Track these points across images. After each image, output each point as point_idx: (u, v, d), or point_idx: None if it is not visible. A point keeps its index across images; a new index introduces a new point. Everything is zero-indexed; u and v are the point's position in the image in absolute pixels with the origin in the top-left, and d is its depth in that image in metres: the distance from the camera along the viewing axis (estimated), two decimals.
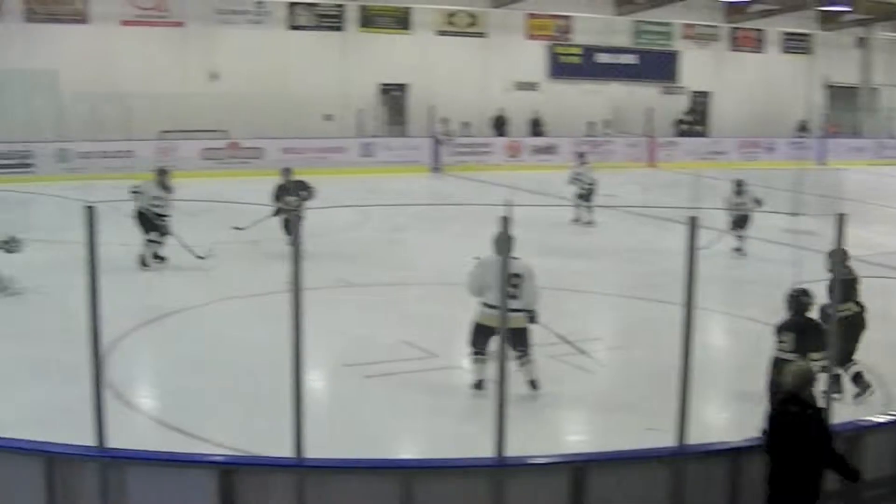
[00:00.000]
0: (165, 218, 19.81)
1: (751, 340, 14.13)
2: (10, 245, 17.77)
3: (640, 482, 8.79)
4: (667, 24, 47.03)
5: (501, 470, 8.38)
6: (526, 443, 9.01)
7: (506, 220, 8.24)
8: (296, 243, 8.35)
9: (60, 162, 33.68)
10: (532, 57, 44.42)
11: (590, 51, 45.51)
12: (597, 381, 13.68)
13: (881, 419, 10.38)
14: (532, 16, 43.92)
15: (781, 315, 11.17)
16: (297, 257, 8.21)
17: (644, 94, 45.44)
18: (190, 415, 11.84)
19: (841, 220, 9.12)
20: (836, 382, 10.84)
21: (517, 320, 12.23)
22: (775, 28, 49.31)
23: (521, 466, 8.58)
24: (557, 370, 13.55)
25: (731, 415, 12.31)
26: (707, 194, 25.66)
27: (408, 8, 41.60)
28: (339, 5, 40.76)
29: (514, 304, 11.90)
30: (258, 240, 21.09)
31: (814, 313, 11.23)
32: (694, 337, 8.50)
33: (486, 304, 12.44)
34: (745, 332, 15.55)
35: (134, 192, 19.73)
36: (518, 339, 12.36)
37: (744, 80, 48.39)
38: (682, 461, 8.74)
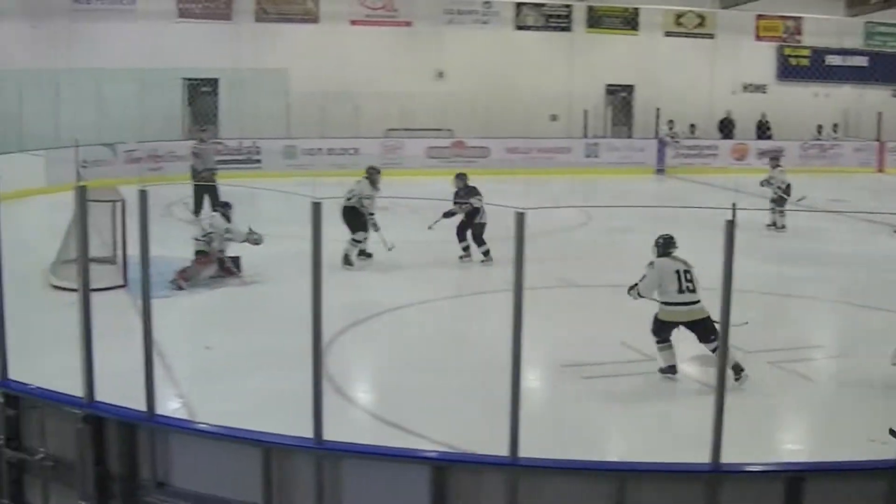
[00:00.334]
0: (372, 217, 20.14)
1: None
2: (254, 237, 18.50)
3: (857, 494, 8.61)
4: None
5: (717, 476, 8.30)
6: (741, 449, 8.94)
7: (731, 224, 8.18)
8: (519, 244, 8.42)
9: (287, 158, 34.53)
10: (760, 58, 43.65)
11: (819, 52, 44.49)
12: (817, 389, 13.44)
13: None
14: (761, 17, 43.15)
15: None
16: (519, 257, 8.30)
17: (874, 98, 44.12)
18: (405, 410, 12.04)
19: None
20: None
21: (700, 311, 12.99)
22: None
23: (737, 473, 8.49)
24: (776, 377, 13.39)
25: None
26: None
27: (636, 8, 41.35)
28: (567, 6, 40.77)
29: (693, 297, 13.04)
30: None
31: None
32: None
33: (666, 303, 13.20)
34: None
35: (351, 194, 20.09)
36: (706, 330, 12.94)
37: None
38: None
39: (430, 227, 20.19)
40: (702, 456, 8.30)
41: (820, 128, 42.42)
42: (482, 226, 20.11)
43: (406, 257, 20.24)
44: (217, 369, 13.43)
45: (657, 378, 13.35)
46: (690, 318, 13.14)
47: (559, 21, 41.13)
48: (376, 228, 20.00)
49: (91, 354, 9.63)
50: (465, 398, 12.35)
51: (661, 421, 12.05)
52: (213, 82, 36.97)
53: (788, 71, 44.26)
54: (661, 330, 13.39)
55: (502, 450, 8.45)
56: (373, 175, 20.48)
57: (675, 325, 13.27)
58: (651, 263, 13.47)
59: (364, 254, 20.12)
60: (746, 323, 12.13)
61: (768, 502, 8.38)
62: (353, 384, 13.20)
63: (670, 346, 13.40)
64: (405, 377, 13.37)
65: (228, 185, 24.22)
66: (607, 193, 31.45)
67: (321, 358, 8.79)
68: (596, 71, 41.10)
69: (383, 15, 39.19)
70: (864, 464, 8.88)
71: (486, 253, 20.09)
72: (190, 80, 36.66)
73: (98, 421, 9.61)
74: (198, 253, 18.62)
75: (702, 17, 42.39)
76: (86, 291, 9.68)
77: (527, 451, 8.41)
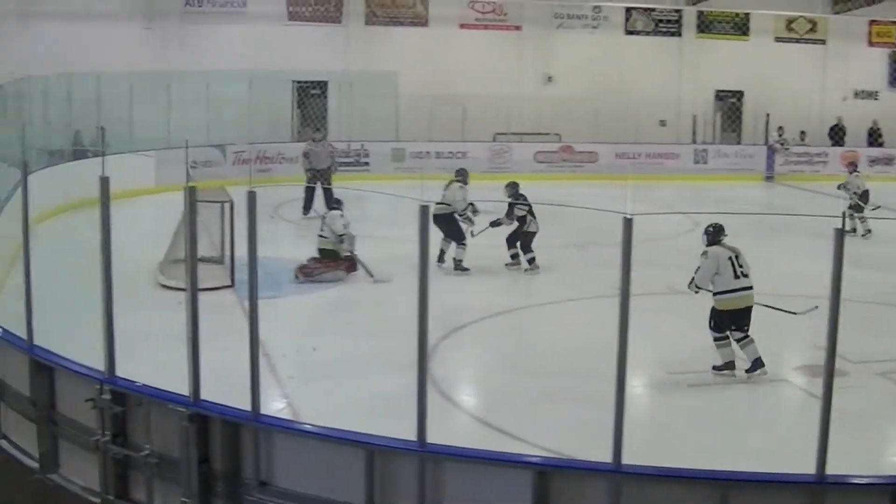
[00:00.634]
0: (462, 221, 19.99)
1: None
2: (343, 239, 18.68)
3: None
4: None
5: (821, 487, 8.20)
6: (847, 460, 8.81)
7: (840, 233, 8.05)
8: (626, 250, 8.35)
9: (395, 161, 34.66)
10: (872, 64, 42.81)
11: None
12: None
13: None
14: (874, 22, 42.35)
15: None
16: (626, 263, 8.26)
17: None
18: (508, 415, 12.03)
19: None
20: None
21: (752, 297, 13.45)
22: None
23: (842, 485, 8.37)
24: (884, 388, 13.18)
25: None
26: None
27: (747, 14, 40.91)
28: (677, 10, 40.48)
29: (747, 282, 13.42)
30: (583, 244, 21.29)
31: None
32: None
33: (723, 292, 13.41)
34: None
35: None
36: (749, 318, 13.38)
37: None
38: None
39: (473, 235, 20.08)
40: (806, 466, 8.20)
41: None
42: (530, 234, 20.04)
43: (506, 261, 20.23)
44: (322, 370, 13.52)
45: (763, 387, 13.21)
46: (746, 304, 13.38)
47: (669, 26, 40.86)
48: (464, 234, 19.98)
49: (198, 353, 9.75)
50: (569, 404, 12.32)
51: (766, 430, 11.89)
52: (323, 85, 37.26)
53: None
54: (721, 324, 13.50)
55: (605, 456, 8.41)
56: (461, 178, 20.42)
57: (733, 315, 13.38)
58: (705, 253, 13.59)
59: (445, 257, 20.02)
60: (816, 307, 12.31)
61: None
62: (456, 388, 13.18)
63: (729, 343, 13.49)
64: (508, 382, 13.37)
65: (337, 187, 24.39)
66: (715, 200, 31.14)
67: (426, 361, 8.81)
68: (705, 76, 40.73)
69: (493, 19, 39.22)
70: None
71: (531, 261, 20.03)
72: (299, 82, 36.98)
73: (203, 419, 9.72)
74: (322, 252, 18.82)
75: (813, 22, 41.80)
76: (194, 291, 9.81)
77: (630, 457, 8.37)
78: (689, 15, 40.79)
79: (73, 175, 22.57)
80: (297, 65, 35.68)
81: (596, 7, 39.69)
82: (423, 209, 8.91)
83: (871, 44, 42.82)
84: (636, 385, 12.90)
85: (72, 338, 12.09)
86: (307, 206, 26.03)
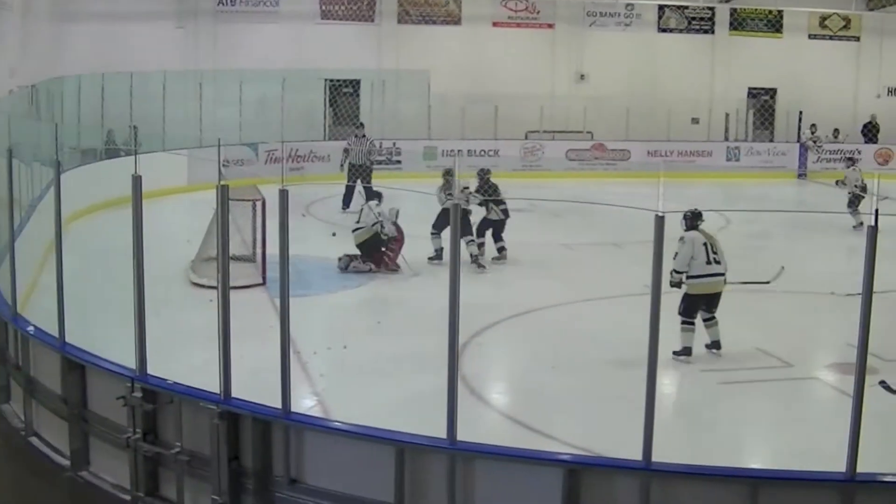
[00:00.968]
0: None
1: None
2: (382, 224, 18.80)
3: None
4: None
5: (852, 485, 8.17)
6: (878, 458, 8.77)
7: (873, 230, 8.02)
8: (658, 247, 8.33)
9: (427, 160, 34.63)
10: None
11: None
12: None
13: None
14: None
15: None
16: (657, 260, 8.25)
17: None
18: (538, 412, 12.04)
19: None
20: None
21: (722, 283, 13.98)
22: None
23: (873, 483, 8.33)
24: None
25: None
26: None
27: (780, 11, 40.71)
28: (710, 8, 40.31)
29: (719, 268, 13.94)
30: (619, 242, 21.25)
31: None
32: None
33: (695, 276, 13.87)
34: None
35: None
36: (717, 302, 13.95)
37: None
38: None
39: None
40: (837, 464, 8.17)
41: None
42: (496, 222, 20.17)
43: (541, 260, 20.23)
44: (353, 368, 13.53)
45: (794, 384, 13.16)
46: (716, 290, 13.88)
47: (702, 23, 40.70)
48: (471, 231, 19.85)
49: (229, 351, 9.79)
50: (599, 401, 12.32)
51: (797, 428, 11.84)
52: (355, 83, 37.27)
53: None
54: (690, 308, 13.92)
55: (636, 454, 8.41)
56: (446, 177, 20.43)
57: (703, 300, 13.80)
58: (682, 238, 13.96)
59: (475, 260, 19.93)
60: (783, 268, 13.57)
61: None
62: (487, 385, 13.19)
63: (693, 329, 13.89)
64: (539, 379, 13.35)
65: (367, 186, 24.52)
66: (747, 197, 31.05)
67: (457, 358, 8.82)
68: (738, 74, 40.54)
69: (525, 17, 39.17)
70: None
71: (500, 250, 20.17)
72: (332, 81, 36.99)
73: (234, 417, 9.77)
74: (360, 246, 18.94)
75: (847, 19, 41.54)
76: (225, 289, 9.86)
77: (660, 455, 8.36)
78: (722, 12, 40.62)
79: (105, 174, 22.65)
80: (329, 63, 35.71)
81: (629, 5, 39.57)
82: (455, 207, 8.93)
83: None
84: (668, 382, 12.88)
85: (103, 336, 12.16)
86: (346, 201, 26.15)
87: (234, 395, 9.86)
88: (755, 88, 41.27)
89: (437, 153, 34.91)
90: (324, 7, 36.98)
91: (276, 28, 35.84)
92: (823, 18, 41.41)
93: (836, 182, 25.60)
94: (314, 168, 31.92)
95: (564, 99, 38.07)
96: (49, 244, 14.28)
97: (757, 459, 11.01)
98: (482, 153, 35.03)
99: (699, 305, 13.90)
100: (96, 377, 11.21)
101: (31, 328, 12.48)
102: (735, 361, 13.87)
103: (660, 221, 8.07)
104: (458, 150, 34.94)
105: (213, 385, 9.92)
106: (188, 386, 10.32)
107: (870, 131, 41.00)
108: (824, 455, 8.91)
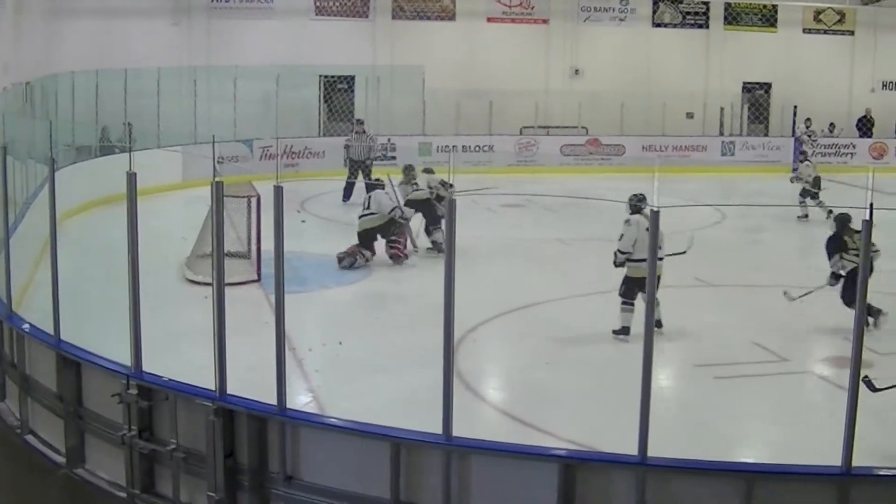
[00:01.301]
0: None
1: None
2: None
3: None
4: None
5: (847, 480, 8.18)
6: (874, 453, 8.78)
7: (868, 224, 8.03)
8: (653, 241, 8.33)
9: (422, 155, 34.59)
10: None
11: None
12: None
13: None
14: None
15: None
16: (652, 254, 8.26)
17: None
18: (534, 408, 12.01)
19: None
20: None
21: (661, 267, 13.93)
22: None
23: (868, 477, 8.35)
24: None
25: None
26: None
27: (774, 5, 40.71)
28: (705, 2, 40.32)
29: (659, 253, 13.52)
30: (614, 237, 21.23)
31: None
32: None
33: (637, 259, 14.16)
34: None
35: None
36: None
37: None
38: None
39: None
40: (833, 458, 8.17)
41: None
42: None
43: (536, 255, 20.24)
44: (348, 364, 13.51)
45: (789, 378, 13.17)
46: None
47: (696, 18, 40.71)
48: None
49: (224, 348, 9.79)
50: (595, 396, 12.31)
51: (792, 422, 11.84)
52: (350, 79, 37.21)
53: None
54: (630, 290, 14.33)
55: (631, 449, 8.41)
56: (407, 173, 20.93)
57: (641, 283, 13.81)
58: (627, 221, 14.36)
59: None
60: (685, 252, 13.94)
61: None
62: (482, 381, 13.16)
63: (632, 310, 14.20)
64: (535, 375, 13.35)
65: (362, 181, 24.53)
66: (742, 192, 31.06)
67: (452, 354, 8.83)
68: (732, 68, 40.53)
69: (520, 12, 39.16)
70: None
71: (434, 243, 20.22)
72: (326, 77, 36.95)
73: (229, 414, 9.77)
74: (361, 234, 19.13)
75: (841, 13, 41.54)
76: (220, 286, 9.85)
77: (656, 450, 8.37)
78: (717, 7, 40.62)
79: (100, 171, 22.62)
80: (323, 60, 35.69)
81: (623, 0, 39.60)
82: (451, 203, 8.93)
83: None
84: (663, 377, 12.88)
85: (98, 333, 12.15)
86: (346, 194, 26.30)
87: (229, 391, 9.86)
88: (750, 83, 41.29)
89: (432, 149, 34.86)
90: (318, 3, 36.95)
91: (271, 24, 35.80)
92: (818, 13, 41.42)
93: (791, 179, 25.98)
94: (309, 164, 31.97)
95: (559, 94, 38.06)
96: (44, 242, 14.28)
97: (752, 454, 11.01)
98: (477, 149, 35.07)
99: (637, 287, 14.11)
100: (92, 374, 11.21)
101: (26, 326, 12.49)
102: (730, 356, 13.87)
103: (654, 216, 8.08)
104: (453, 146, 34.92)
105: (208, 382, 9.92)
106: (183, 383, 10.33)
107: (864, 125, 41.02)
108: (820, 449, 8.92)
